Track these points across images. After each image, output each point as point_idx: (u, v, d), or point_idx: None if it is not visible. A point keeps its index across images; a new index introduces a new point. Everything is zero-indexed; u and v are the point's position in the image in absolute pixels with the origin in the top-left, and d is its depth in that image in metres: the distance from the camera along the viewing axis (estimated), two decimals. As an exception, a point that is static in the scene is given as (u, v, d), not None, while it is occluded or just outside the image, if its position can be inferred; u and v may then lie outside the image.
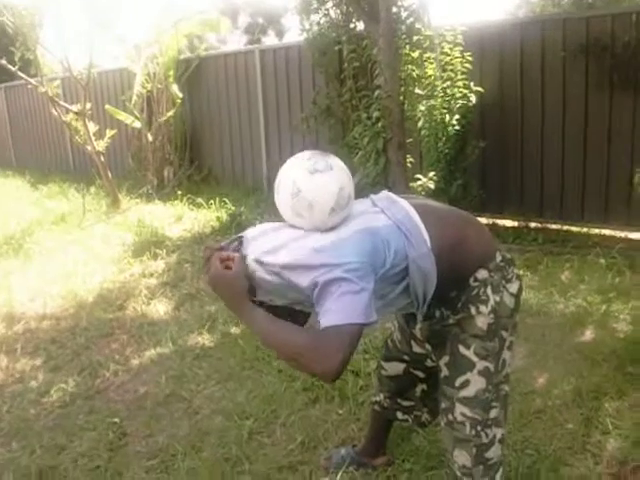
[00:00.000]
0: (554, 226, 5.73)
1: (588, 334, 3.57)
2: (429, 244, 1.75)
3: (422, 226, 1.77)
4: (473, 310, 1.83)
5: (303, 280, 1.63)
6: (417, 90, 5.66)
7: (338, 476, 2.39)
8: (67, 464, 2.62)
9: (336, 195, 1.72)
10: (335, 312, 1.54)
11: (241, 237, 1.78)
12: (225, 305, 1.74)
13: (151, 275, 5.13)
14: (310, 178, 1.72)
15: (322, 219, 1.72)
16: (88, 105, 7.59)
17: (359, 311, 1.54)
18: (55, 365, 3.60)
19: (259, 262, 1.71)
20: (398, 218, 1.77)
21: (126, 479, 2.50)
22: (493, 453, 1.88)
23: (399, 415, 2.31)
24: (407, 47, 5.68)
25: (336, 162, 1.79)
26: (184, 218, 7.13)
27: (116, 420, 2.93)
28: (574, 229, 5.63)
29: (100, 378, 3.41)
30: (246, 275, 1.70)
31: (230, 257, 1.71)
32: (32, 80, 7.83)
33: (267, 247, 1.72)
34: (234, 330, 3.88)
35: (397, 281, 1.74)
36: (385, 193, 1.95)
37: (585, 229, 5.60)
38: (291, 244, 1.70)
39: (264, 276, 1.71)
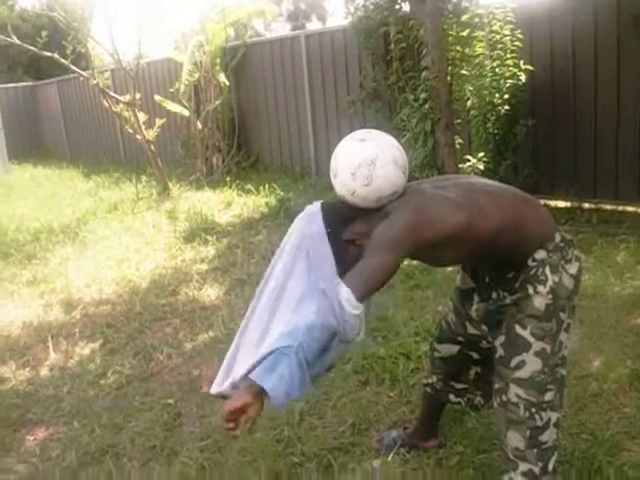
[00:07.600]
0: (608, 206, 5.56)
1: (646, 317, 3.47)
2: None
3: None
4: (531, 290, 1.80)
5: None
6: (464, 71, 5.55)
7: (389, 458, 2.39)
8: (125, 443, 2.70)
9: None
10: None
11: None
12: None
13: (202, 261, 5.21)
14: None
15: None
16: (137, 95, 7.71)
17: None
18: (111, 348, 3.70)
19: None
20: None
21: (181, 458, 2.56)
22: (547, 437, 1.85)
23: (452, 397, 2.29)
24: (454, 27, 5.57)
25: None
26: (233, 204, 7.20)
27: (171, 401, 3.01)
28: (629, 209, 5.44)
29: (154, 361, 3.50)
30: None
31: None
32: (84, 73, 8.00)
33: None
34: (284, 314, 3.90)
35: None
36: None
37: (641, 209, 5.41)
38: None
39: None
